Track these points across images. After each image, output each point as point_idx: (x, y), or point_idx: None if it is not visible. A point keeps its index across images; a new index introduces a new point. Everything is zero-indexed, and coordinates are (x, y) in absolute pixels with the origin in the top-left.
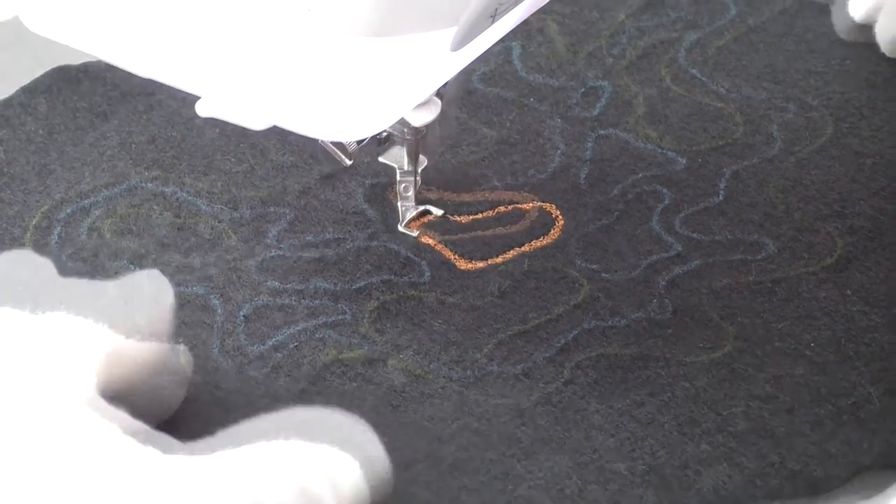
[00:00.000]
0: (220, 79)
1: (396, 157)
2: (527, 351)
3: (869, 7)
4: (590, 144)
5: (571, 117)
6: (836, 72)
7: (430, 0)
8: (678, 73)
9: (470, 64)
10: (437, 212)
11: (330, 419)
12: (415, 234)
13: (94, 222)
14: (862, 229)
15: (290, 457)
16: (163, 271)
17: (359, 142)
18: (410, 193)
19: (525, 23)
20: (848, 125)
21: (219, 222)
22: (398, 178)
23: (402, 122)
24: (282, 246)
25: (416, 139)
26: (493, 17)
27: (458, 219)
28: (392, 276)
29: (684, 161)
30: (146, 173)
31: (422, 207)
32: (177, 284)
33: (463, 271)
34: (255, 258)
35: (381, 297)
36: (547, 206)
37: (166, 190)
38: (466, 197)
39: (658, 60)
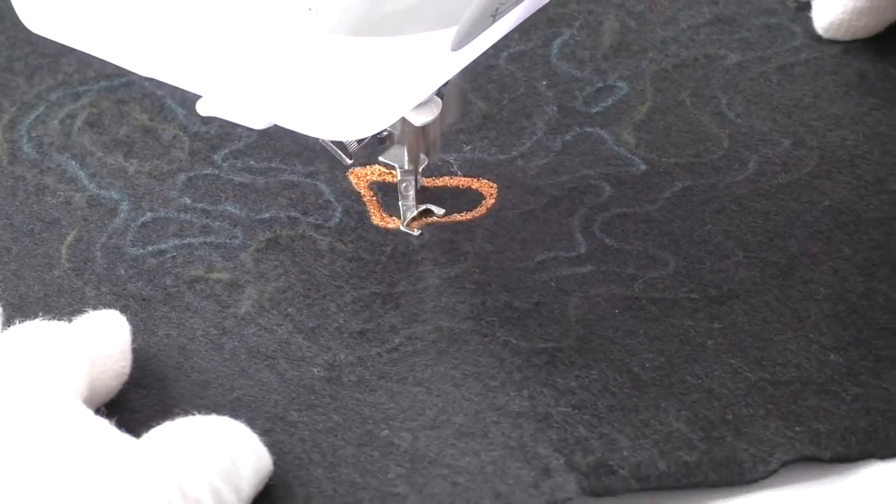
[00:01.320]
0: (221, 78)
1: (396, 157)
2: (377, 312)
3: None
4: (568, 137)
5: (568, 108)
6: (852, 117)
7: (431, 0)
8: (701, 89)
9: (503, 40)
10: (439, 211)
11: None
12: (416, 233)
13: (74, 110)
14: (770, 267)
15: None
16: (95, 171)
17: (359, 141)
18: (411, 193)
19: (589, 11)
20: (827, 169)
21: (183, 132)
22: (398, 177)
23: (403, 122)
24: (222, 166)
25: (417, 138)
26: (494, 16)
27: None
28: (300, 215)
29: (644, 167)
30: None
31: (422, 206)
32: (98, 186)
33: (372, 226)
34: (189, 173)
35: (278, 231)
36: (486, 184)
37: (158, 92)
38: (426, 182)
39: (690, 74)
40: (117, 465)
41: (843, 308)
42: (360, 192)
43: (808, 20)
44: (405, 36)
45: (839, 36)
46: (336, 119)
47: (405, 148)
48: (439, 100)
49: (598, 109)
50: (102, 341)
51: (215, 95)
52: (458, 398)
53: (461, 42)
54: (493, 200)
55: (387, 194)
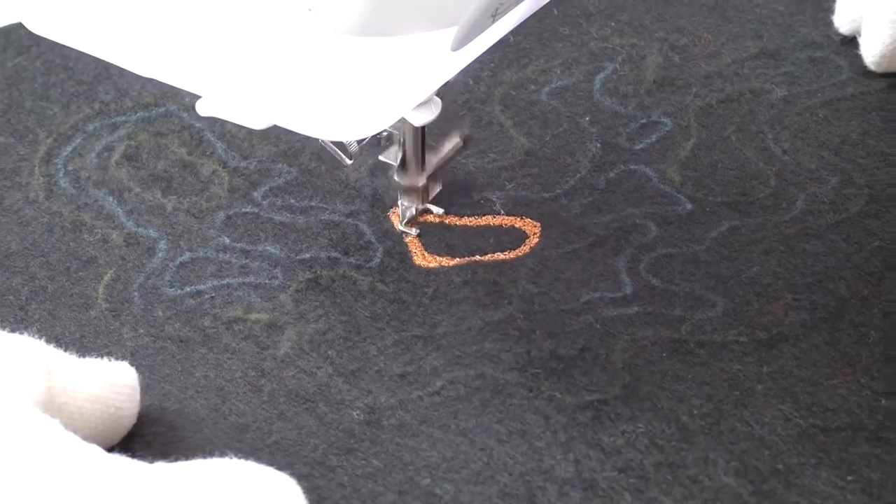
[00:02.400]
0: (221, 78)
1: (397, 156)
2: (418, 354)
3: (853, 20)
4: (612, 175)
5: (612, 145)
6: None
7: (431, 0)
8: (746, 124)
9: (545, 75)
10: (438, 210)
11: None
12: (414, 232)
13: (111, 142)
14: (819, 310)
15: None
16: (133, 208)
17: (359, 141)
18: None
19: (631, 45)
20: (877, 208)
21: (222, 168)
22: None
23: (402, 122)
24: (262, 203)
25: (416, 139)
26: (494, 16)
27: (453, 220)
28: (340, 255)
29: (690, 206)
30: (187, 101)
31: (422, 206)
32: (136, 223)
33: (414, 266)
34: (228, 211)
35: (319, 272)
36: (530, 223)
37: (197, 125)
38: (469, 222)
39: (735, 109)
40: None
41: (894, 352)
42: (404, 235)
43: (854, 54)
44: (405, 36)
45: (892, 68)
46: (336, 119)
47: (401, 151)
48: (439, 101)
49: (642, 146)
50: (83, 380)
51: (215, 95)
52: (503, 455)
53: (461, 42)
54: (536, 239)
55: (429, 234)
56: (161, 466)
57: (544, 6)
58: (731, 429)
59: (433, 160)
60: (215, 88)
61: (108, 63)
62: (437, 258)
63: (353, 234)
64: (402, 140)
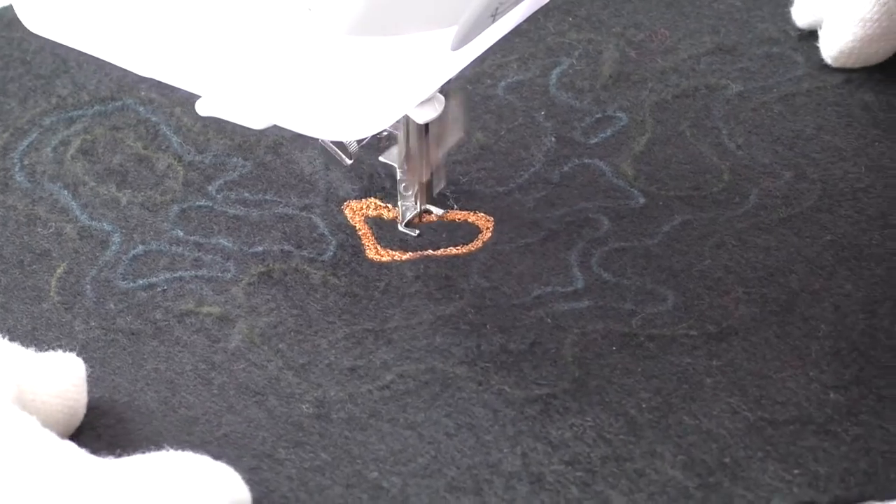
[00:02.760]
0: (221, 78)
1: (397, 157)
2: (369, 348)
3: (813, 14)
4: (566, 169)
5: (567, 139)
6: (855, 149)
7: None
8: (701, 119)
9: (501, 69)
10: (438, 211)
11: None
12: (415, 233)
13: (67, 136)
14: (770, 304)
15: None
16: (88, 201)
17: (359, 141)
18: (411, 193)
19: (588, 41)
20: (829, 203)
21: (177, 161)
22: (398, 177)
23: (403, 122)
24: (216, 197)
25: (420, 138)
26: (494, 16)
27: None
28: (294, 248)
29: (643, 200)
30: (144, 95)
31: (422, 207)
32: (90, 217)
33: (367, 260)
34: (182, 204)
35: (271, 265)
36: (483, 218)
37: (153, 118)
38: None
39: (691, 105)
40: (70, 481)
41: (844, 346)
42: (355, 226)
43: (811, 49)
44: (405, 35)
45: (849, 64)
46: (336, 119)
47: (405, 148)
48: (442, 97)
49: (596, 140)
50: (43, 375)
51: (215, 95)
52: (451, 449)
53: (461, 42)
54: (489, 234)
55: (382, 228)
56: (106, 462)
57: (544, 6)
58: (678, 422)
59: (436, 155)
60: (215, 88)
61: (65, 57)
62: (390, 252)
63: (306, 228)
64: (406, 138)
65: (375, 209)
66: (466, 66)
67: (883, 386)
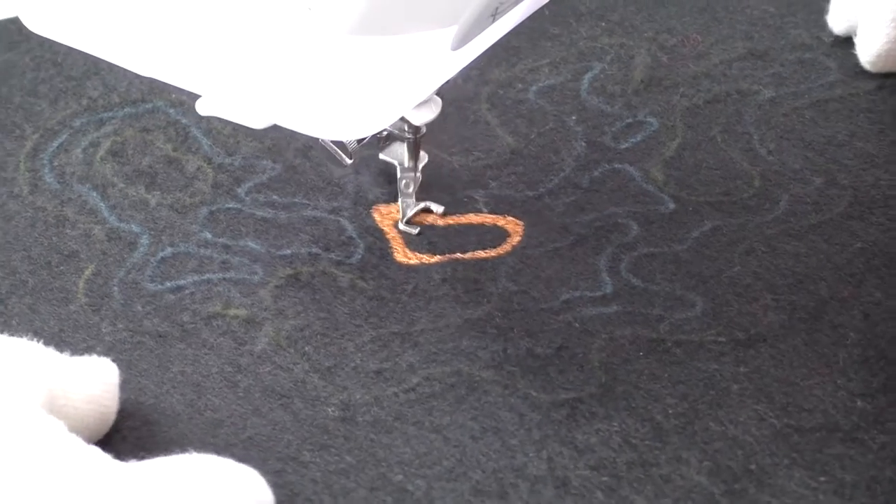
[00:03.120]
0: (221, 78)
1: (397, 154)
2: (395, 351)
3: (848, 20)
4: (596, 174)
5: (597, 144)
6: (887, 156)
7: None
8: (733, 125)
9: (533, 74)
10: (438, 209)
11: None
12: (415, 231)
13: (97, 138)
14: (799, 311)
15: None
16: (116, 203)
17: (359, 141)
18: (411, 190)
19: (620, 45)
20: (860, 210)
21: (207, 163)
22: (399, 174)
23: (403, 120)
24: (245, 200)
25: (417, 137)
26: (494, 16)
27: (436, 218)
28: (321, 251)
29: (673, 206)
30: (175, 97)
31: (423, 204)
32: (118, 218)
33: (395, 263)
34: (211, 206)
35: (299, 268)
36: (512, 222)
37: (183, 121)
38: (451, 220)
39: (722, 110)
40: (94, 486)
41: (872, 353)
42: (383, 230)
43: (844, 55)
44: (405, 35)
45: (887, 68)
46: (336, 119)
47: (405, 145)
48: (439, 99)
49: (627, 145)
50: (76, 380)
51: (215, 95)
52: (476, 453)
53: (461, 42)
54: (518, 238)
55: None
56: (129, 466)
57: (543, 6)
58: (704, 428)
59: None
60: (215, 88)
61: (97, 59)
62: (419, 255)
63: (334, 231)
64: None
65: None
66: (465, 67)
67: None
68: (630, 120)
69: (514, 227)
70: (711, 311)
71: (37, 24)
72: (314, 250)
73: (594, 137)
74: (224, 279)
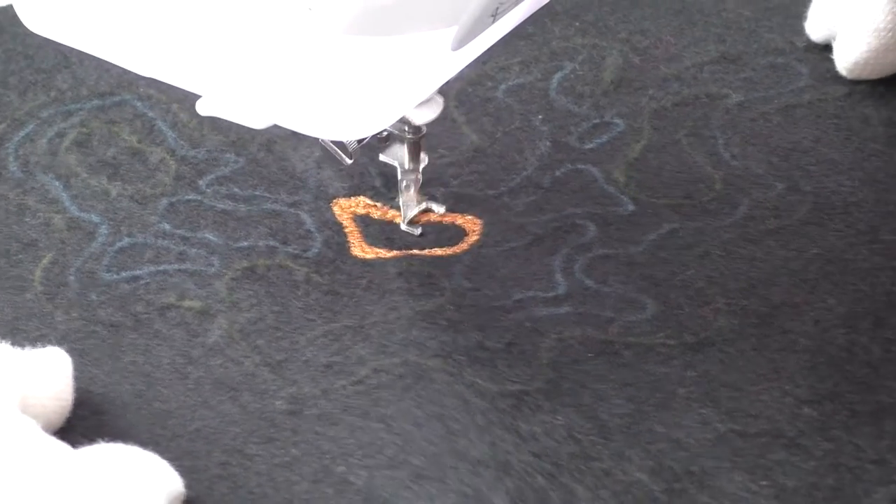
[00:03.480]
0: (221, 77)
1: (397, 155)
2: (346, 344)
3: (827, 28)
4: (558, 174)
5: (562, 144)
6: (851, 162)
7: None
8: (699, 128)
9: (503, 72)
10: (439, 209)
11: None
12: (417, 232)
13: (64, 129)
14: (750, 316)
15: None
16: (78, 192)
17: (359, 141)
18: (412, 191)
19: (593, 45)
20: (819, 216)
21: (170, 155)
22: (399, 176)
23: (403, 121)
24: (206, 192)
25: (418, 137)
26: (494, 16)
27: (395, 215)
28: (279, 244)
29: (632, 208)
30: (142, 91)
31: (423, 205)
32: (79, 208)
33: (351, 258)
34: (171, 198)
35: (255, 260)
36: (471, 220)
37: (149, 113)
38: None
39: (689, 113)
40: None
41: (821, 360)
42: (342, 224)
43: (816, 61)
44: (405, 35)
45: (864, 75)
46: (336, 119)
47: (405, 147)
48: (441, 98)
49: (591, 146)
50: (42, 378)
51: (215, 95)
52: (419, 439)
53: (461, 42)
54: (476, 237)
55: (369, 226)
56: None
57: (548, 8)
58: (649, 429)
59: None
60: (215, 88)
61: (67, 53)
62: (375, 250)
63: (293, 224)
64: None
65: (364, 207)
66: (466, 67)
67: (857, 402)
68: (597, 121)
69: (472, 225)
70: (662, 314)
71: (36, 24)
72: (272, 243)
73: (560, 137)
74: (180, 270)
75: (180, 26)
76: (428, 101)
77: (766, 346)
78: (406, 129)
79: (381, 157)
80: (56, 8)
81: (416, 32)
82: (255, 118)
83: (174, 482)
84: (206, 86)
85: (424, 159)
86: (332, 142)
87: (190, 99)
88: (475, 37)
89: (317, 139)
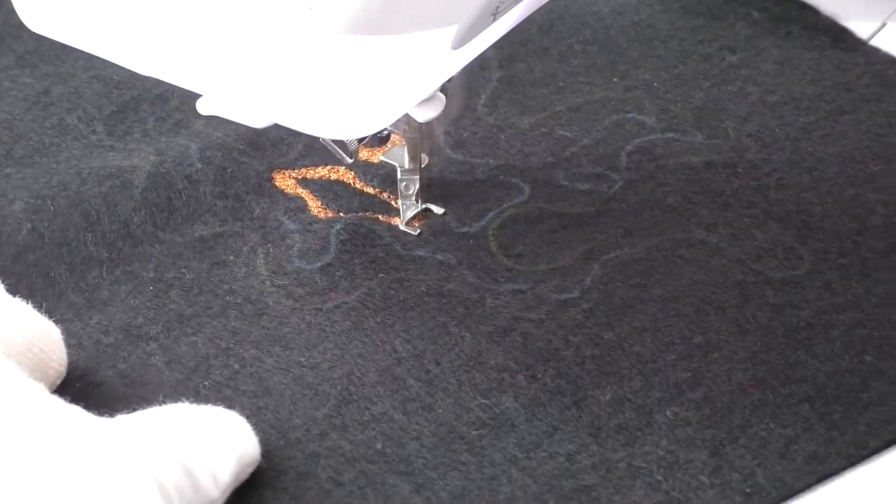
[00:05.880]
0: (222, 77)
1: (398, 156)
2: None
3: None
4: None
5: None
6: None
7: None
8: None
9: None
10: (439, 210)
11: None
12: (416, 232)
13: None
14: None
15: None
16: None
17: (360, 140)
18: (412, 192)
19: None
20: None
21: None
22: (399, 176)
23: (404, 120)
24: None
25: (418, 137)
26: (495, 15)
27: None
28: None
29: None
30: None
31: (423, 206)
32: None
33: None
34: None
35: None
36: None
37: None
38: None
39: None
40: (84, 446)
41: None
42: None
43: None
44: (405, 34)
45: None
46: (337, 118)
47: (406, 147)
48: (443, 96)
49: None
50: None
51: (215, 94)
52: None
53: (462, 40)
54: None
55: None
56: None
57: (543, 5)
58: None
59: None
60: (216, 87)
61: None
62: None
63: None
64: (407, 136)
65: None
66: (467, 65)
67: None
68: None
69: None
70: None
71: (36, 24)
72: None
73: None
74: None
75: (180, 25)
76: (430, 99)
77: None
78: (406, 128)
79: (381, 158)
80: (56, 7)
81: (416, 31)
82: (255, 117)
83: (249, 444)
84: (206, 85)
85: (425, 160)
86: (333, 141)
87: None
88: (475, 35)
89: (317, 138)
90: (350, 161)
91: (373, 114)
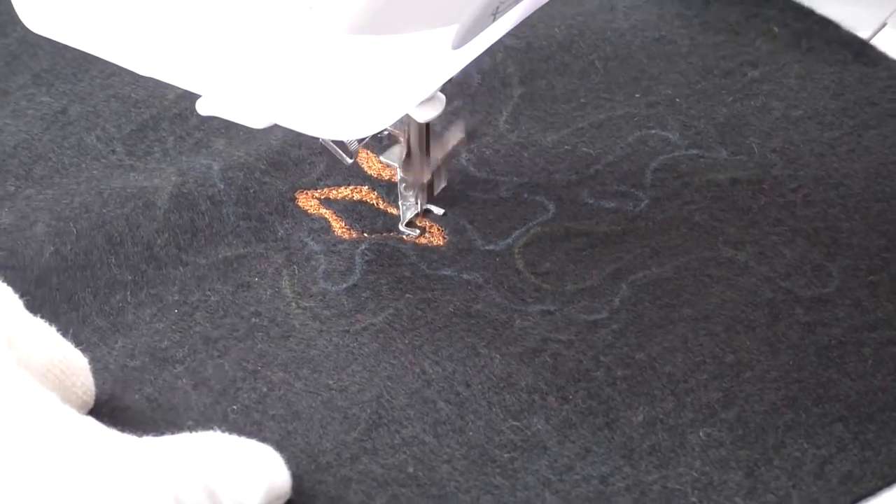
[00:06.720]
0: (222, 77)
1: (397, 157)
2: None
3: None
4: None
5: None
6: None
7: None
8: None
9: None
10: (438, 211)
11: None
12: (415, 233)
13: None
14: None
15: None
16: None
17: (360, 140)
18: (411, 193)
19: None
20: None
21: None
22: (399, 177)
23: (404, 121)
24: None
25: (421, 136)
26: (495, 15)
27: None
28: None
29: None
30: None
31: (423, 207)
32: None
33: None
34: None
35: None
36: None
37: None
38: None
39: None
40: (107, 461)
41: None
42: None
43: None
44: (406, 35)
45: None
46: (336, 118)
47: (405, 147)
48: (443, 97)
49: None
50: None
51: (215, 94)
52: None
53: (462, 40)
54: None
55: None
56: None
57: (544, 5)
58: None
59: (438, 155)
60: (216, 87)
61: None
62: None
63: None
64: (406, 137)
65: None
66: (467, 64)
67: None
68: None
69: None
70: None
71: (36, 24)
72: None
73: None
74: None
75: (180, 25)
76: (430, 99)
77: None
78: (406, 129)
79: (381, 158)
80: (56, 7)
81: (417, 31)
82: (256, 118)
83: (279, 477)
84: (206, 85)
85: (430, 167)
86: (333, 141)
87: None
88: (476, 35)
89: (317, 138)
90: (350, 161)
91: (373, 114)
